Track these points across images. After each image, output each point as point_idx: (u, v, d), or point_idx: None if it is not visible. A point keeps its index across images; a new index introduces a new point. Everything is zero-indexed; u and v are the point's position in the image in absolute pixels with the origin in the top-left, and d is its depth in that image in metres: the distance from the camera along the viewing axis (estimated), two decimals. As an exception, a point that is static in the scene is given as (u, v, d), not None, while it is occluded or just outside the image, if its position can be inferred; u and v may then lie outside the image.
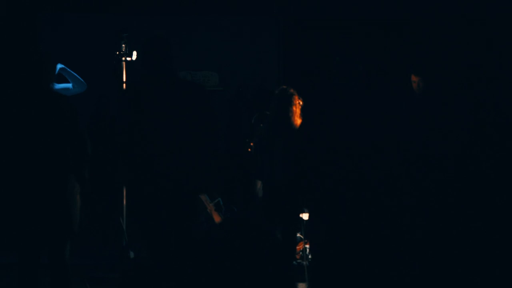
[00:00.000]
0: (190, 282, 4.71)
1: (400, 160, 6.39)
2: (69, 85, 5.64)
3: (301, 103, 5.48)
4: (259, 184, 5.83)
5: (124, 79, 6.00)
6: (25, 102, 4.23)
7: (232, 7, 8.21)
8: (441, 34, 7.35)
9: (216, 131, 4.59)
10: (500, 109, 6.81)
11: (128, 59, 6.02)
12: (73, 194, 4.28)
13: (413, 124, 6.78)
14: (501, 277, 5.53)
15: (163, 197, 4.43)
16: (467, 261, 6.03)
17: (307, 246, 6.01)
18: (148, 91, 4.43)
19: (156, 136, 4.36)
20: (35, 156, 4.17)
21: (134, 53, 5.99)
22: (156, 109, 4.36)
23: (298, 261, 6.02)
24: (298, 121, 5.45)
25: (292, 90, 5.49)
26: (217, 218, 7.04)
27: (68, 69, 5.63)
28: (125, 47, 6.03)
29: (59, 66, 5.58)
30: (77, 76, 5.64)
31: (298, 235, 5.98)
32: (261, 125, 6.08)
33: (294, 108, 5.42)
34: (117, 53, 6.02)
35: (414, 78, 6.53)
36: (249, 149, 6.52)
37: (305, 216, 5.72)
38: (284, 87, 5.60)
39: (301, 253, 6.06)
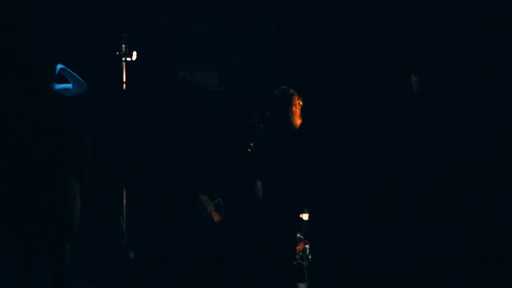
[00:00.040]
0: (190, 282, 4.71)
1: (400, 160, 6.38)
2: (69, 85, 5.64)
3: (301, 103, 5.48)
4: (259, 184, 5.83)
5: (124, 79, 6.00)
6: (25, 102, 4.23)
7: (232, 7, 8.21)
8: (441, 34, 7.34)
9: (214, 132, 4.60)
10: (500, 109, 6.81)
11: (128, 59, 6.02)
12: (73, 195, 4.28)
13: (413, 124, 6.78)
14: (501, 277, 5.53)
15: (162, 197, 4.43)
16: (467, 262, 6.03)
17: (307, 246, 6.01)
18: (148, 92, 4.45)
19: (156, 137, 4.37)
20: (35, 156, 4.17)
21: (134, 53, 5.99)
22: (155, 110, 4.37)
23: (298, 261, 6.02)
24: (298, 121, 5.45)
25: (292, 90, 5.49)
26: (216, 218, 7.04)
27: (68, 69, 5.63)
28: (125, 47, 6.03)
29: (59, 66, 5.58)
30: (77, 76, 5.64)
31: (298, 235, 5.98)
32: (261, 125, 6.08)
33: (294, 108, 5.42)
34: (117, 53, 6.02)
35: (414, 78, 6.52)
36: (249, 149, 6.52)
37: (305, 216, 5.72)
38: (284, 87, 5.60)
39: (301, 253, 6.06)
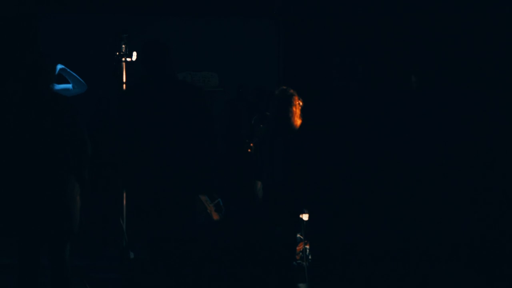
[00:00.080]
0: (190, 282, 4.71)
1: (400, 160, 6.38)
2: (69, 86, 5.64)
3: (301, 103, 5.48)
4: (259, 184, 5.83)
5: (124, 80, 5.99)
6: (25, 102, 4.23)
7: (232, 7, 8.20)
8: (441, 34, 7.35)
9: (214, 132, 4.61)
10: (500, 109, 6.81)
11: (128, 59, 6.02)
12: (73, 195, 4.29)
13: (413, 124, 6.78)
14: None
15: (162, 198, 4.44)
16: (467, 262, 6.03)
17: (307, 246, 6.00)
18: (148, 93, 4.46)
19: (155, 137, 4.38)
20: (35, 156, 4.17)
21: (134, 53, 5.99)
22: (155, 110, 4.38)
23: (298, 261, 6.02)
24: (298, 121, 5.45)
25: (292, 91, 5.49)
26: (216, 217, 7.04)
27: (68, 70, 5.63)
28: (125, 47, 6.02)
29: (59, 66, 5.58)
30: (77, 76, 5.64)
31: (298, 235, 5.98)
32: (261, 125, 6.09)
33: (294, 109, 5.42)
34: (117, 53, 6.02)
35: (413, 78, 6.54)
36: (249, 150, 6.52)
37: (305, 216, 5.72)
38: (284, 87, 5.60)
39: (301, 253, 6.06)
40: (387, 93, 7.08)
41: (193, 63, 8.06)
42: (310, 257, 5.99)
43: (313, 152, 5.41)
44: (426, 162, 6.81)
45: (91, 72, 6.55)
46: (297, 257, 6.04)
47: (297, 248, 6.01)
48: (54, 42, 7.84)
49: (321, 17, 7.84)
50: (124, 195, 6.01)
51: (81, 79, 5.64)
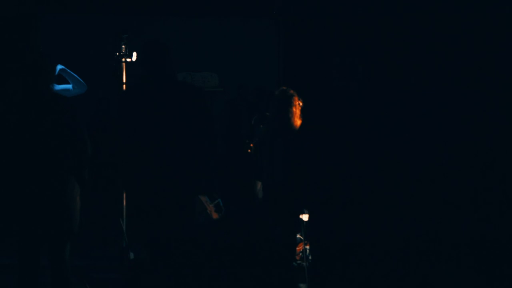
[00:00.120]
0: (190, 282, 4.71)
1: (400, 160, 6.38)
2: (69, 86, 5.64)
3: (301, 104, 5.48)
4: (259, 185, 5.83)
5: (124, 80, 5.99)
6: (25, 103, 4.23)
7: (232, 7, 8.20)
8: (441, 34, 7.35)
9: (214, 132, 4.61)
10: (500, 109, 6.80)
11: (128, 60, 6.02)
12: (73, 195, 4.29)
13: (413, 124, 6.78)
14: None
15: (162, 198, 4.44)
16: (466, 262, 6.03)
17: (307, 247, 6.00)
18: (147, 93, 4.46)
19: (155, 137, 4.38)
20: (35, 157, 4.17)
21: (134, 54, 5.99)
22: (155, 111, 4.38)
23: (298, 262, 6.02)
24: (298, 122, 5.45)
25: (292, 91, 5.49)
26: (215, 216, 7.04)
27: (68, 70, 5.63)
28: (125, 48, 6.02)
29: (59, 67, 5.58)
30: (77, 77, 5.64)
31: (298, 236, 5.98)
32: (261, 126, 6.08)
33: (294, 109, 5.42)
34: (117, 54, 6.02)
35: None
36: (249, 150, 6.52)
37: (305, 217, 5.72)
38: (284, 88, 5.60)
39: (301, 254, 6.06)
40: (387, 93, 7.08)
41: (193, 63, 8.06)
42: (310, 257, 5.99)
43: (313, 152, 5.42)
44: (426, 162, 6.81)
45: (91, 73, 6.55)
46: (297, 258, 6.04)
47: (297, 248, 6.01)
48: (54, 42, 7.84)
49: (321, 17, 7.83)
50: (124, 195, 6.01)
51: (81, 80, 5.64)
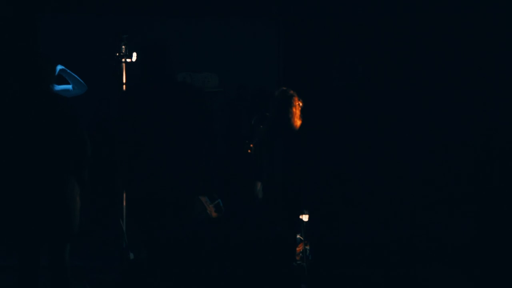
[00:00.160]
0: (189, 282, 4.71)
1: (400, 160, 6.38)
2: (69, 87, 5.64)
3: (301, 104, 5.48)
4: (259, 185, 5.83)
5: (124, 81, 6.00)
6: (25, 103, 4.23)
7: (232, 8, 8.20)
8: (441, 34, 7.35)
9: (213, 133, 4.63)
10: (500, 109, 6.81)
11: (128, 60, 6.02)
12: (73, 196, 4.29)
13: (413, 124, 6.77)
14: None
15: (162, 198, 4.44)
16: (466, 262, 6.03)
17: (307, 247, 6.00)
18: (147, 94, 4.47)
19: (155, 138, 4.38)
20: (35, 157, 4.18)
21: (134, 54, 5.99)
22: (155, 111, 4.39)
23: (298, 262, 6.02)
24: (298, 122, 5.45)
25: (292, 91, 5.49)
26: (214, 215, 7.04)
27: (68, 70, 5.63)
28: (125, 48, 6.02)
29: (59, 67, 5.58)
30: (77, 77, 5.64)
31: (298, 236, 5.98)
32: (261, 126, 6.08)
33: (294, 110, 5.42)
34: (117, 54, 6.02)
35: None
36: (249, 150, 6.52)
37: (305, 217, 5.72)
38: (284, 88, 5.60)
39: (301, 254, 6.06)
40: (387, 93, 7.08)
41: (193, 64, 8.06)
42: (310, 257, 5.99)
43: (313, 152, 5.42)
44: (426, 162, 6.81)
45: (91, 73, 6.55)
46: (297, 258, 6.04)
47: (297, 249, 6.01)
48: (54, 42, 7.84)
49: (321, 17, 7.84)
50: (124, 195, 6.01)
51: (81, 80, 5.64)
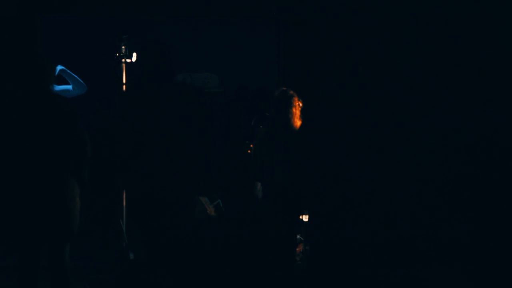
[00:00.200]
0: (189, 282, 4.71)
1: (400, 160, 6.38)
2: (69, 87, 5.64)
3: (301, 104, 5.48)
4: (258, 185, 5.83)
5: (124, 81, 6.00)
6: (25, 103, 4.23)
7: (231, 8, 8.19)
8: (441, 35, 7.35)
9: (213, 133, 4.63)
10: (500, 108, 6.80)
11: (128, 60, 6.03)
12: (73, 196, 4.29)
13: (413, 124, 6.77)
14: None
15: (162, 198, 4.45)
16: (466, 262, 6.03)
17: (307, 247, 6.01)
18: (147, 94, 4.47)
19: (154, 138, 4.39)
20: (35, 157, 4.18)
21: (134, 54, 6.00)
22: (155, 112, 4.39)
23: (298, 262, 6.02)
24: (298, 122, 5.45)
25: (292, 92, 5.49)
26: (213, 213, 7.04)
27: (68, 71, 5.63)
28: (125, 48, 6.03)
29: (59, 67, 5.58)
30: (77, 77, 5.65)
31: (298, 236, 5.98)
32: (261, 126, 6.08)
33: (294, 110, 5.42)
34: (117, 54, 6.02)
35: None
36: (249, 151, 6.52)
37: (305, 217, 5.72)
38: (284, 88, 5.60)
39: (301, 254, 6.06)
40: (387, 93, 7.08)
41: (193, 64, 8.05)
42: (310, 257, 5.99)
43: (313, 152, 5.42)
44: (426, 162, 6.81)
45: (91, 73, 6.55)
46: (297, 258, 6.04)
47: (297, 249, 6.02)
48: (54, 42, 7.84)
49: (321, 18, 7.83)
50: (124, 195, 6.01)
51: (81, 80, 5.64)
